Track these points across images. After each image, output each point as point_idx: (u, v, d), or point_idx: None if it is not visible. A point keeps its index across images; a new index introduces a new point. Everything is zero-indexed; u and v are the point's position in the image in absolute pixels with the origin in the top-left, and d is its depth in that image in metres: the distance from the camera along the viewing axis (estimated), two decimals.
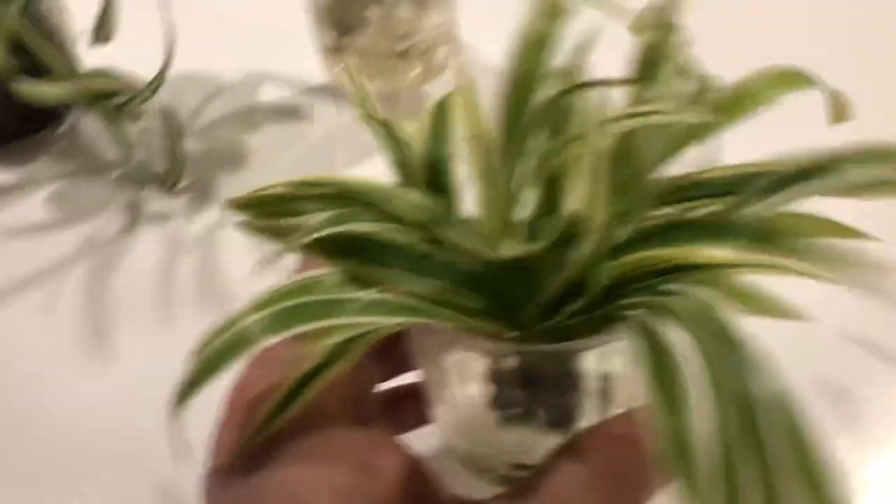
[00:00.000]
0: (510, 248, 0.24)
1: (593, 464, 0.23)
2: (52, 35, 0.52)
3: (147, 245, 0.48)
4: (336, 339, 0.23)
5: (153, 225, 0.50)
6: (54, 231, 0.50)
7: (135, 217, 0.50)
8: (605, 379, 0.27)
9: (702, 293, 0.20)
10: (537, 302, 0.24)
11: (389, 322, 0.23)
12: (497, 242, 0.25)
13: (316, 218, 0.23)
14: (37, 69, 0.48)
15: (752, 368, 0.18)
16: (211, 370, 0.21)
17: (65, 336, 0.44)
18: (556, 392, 0.28)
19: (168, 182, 0.51)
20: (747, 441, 0.17)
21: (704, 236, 0.22)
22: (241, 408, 0.24)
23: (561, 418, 0.28)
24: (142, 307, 0.45)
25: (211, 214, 0.50)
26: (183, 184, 0.52)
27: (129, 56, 0.50)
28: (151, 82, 0.51)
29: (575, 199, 0.25)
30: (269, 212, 0.26)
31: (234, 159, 0.53)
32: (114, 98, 0.50)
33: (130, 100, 0.50)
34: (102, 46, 0.50)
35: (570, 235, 0.22)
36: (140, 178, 0.52)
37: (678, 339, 0.19)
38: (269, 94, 0.58)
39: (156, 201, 0.51)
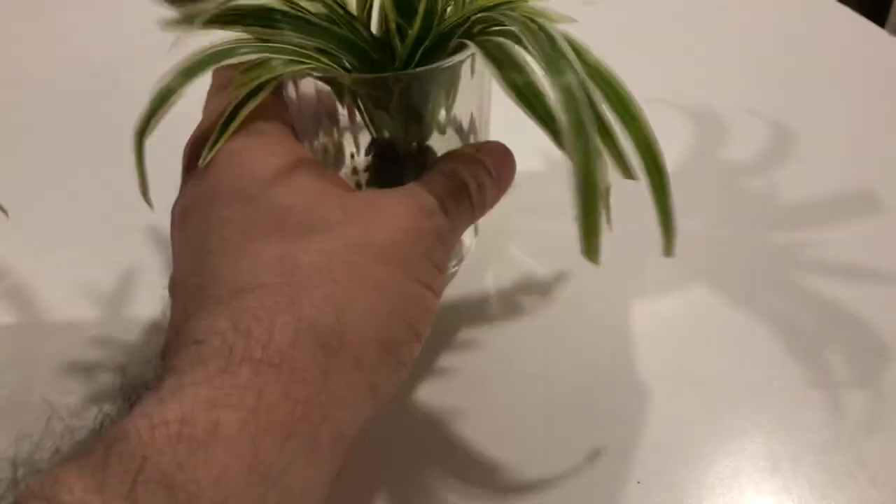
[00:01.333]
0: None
1: (446, 174, 0.32)
2: None
3: None
4: (256, 79, 0.30)
5: None
6: None
7: None
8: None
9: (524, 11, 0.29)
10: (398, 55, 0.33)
11: (293, 68, 0.31)
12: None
13: None
14: None
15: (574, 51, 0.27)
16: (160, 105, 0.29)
17: None
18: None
19: None
20: (583, 93, 0.26)
21: None
22: (192, 148, 0.31)
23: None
24: None
25: None
26: None
27: None
28: None
29: None
30: None
31: None
32: None
33: None
34: None
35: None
36: None
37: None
38: None
39: None
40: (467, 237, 0.43)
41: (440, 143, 0.37)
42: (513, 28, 0.29)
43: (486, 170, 0.33)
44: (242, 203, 0.28)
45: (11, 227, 0.40)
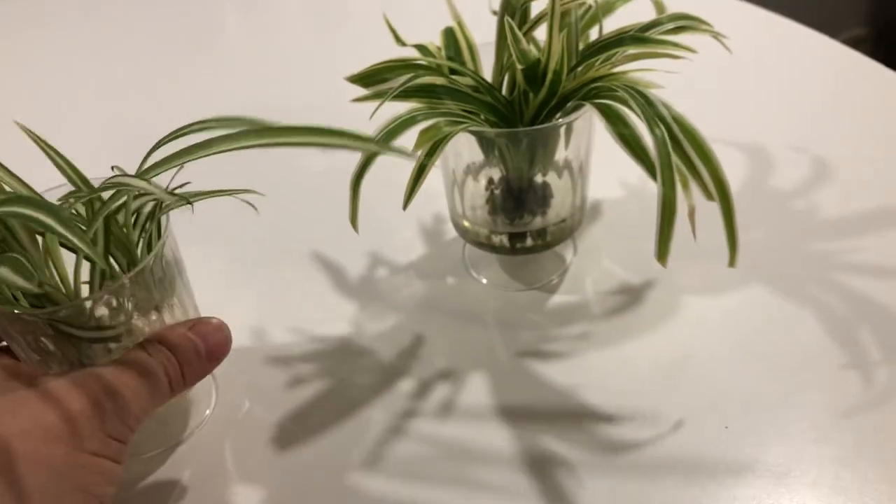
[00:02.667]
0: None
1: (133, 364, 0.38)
2: None
3: None
4: (433, 139, 0.41)
5: None
6: None
7: None
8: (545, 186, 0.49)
9: (626, 81, 0.41)
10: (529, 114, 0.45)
11: (454, 128, 0.42)
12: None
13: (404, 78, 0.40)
14: None
15: (665, 109, 0.38)
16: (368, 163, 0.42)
17: None
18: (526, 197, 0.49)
19: None
20: (671, 141, 0.36)
21: (614, 47, 0.43)
22: None
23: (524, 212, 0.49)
24: None
25: None
26: None
27: None
28: None
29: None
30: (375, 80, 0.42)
31: None
32: None
33: None
34: None
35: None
36: None
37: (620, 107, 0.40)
38: None
39: None
40: (568, 254, 0.54)
41: (557, 181, 0.48)
42: (619, 93, 0.40)
43: (196, 349, 0.39)
44: None
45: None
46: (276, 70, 0.85)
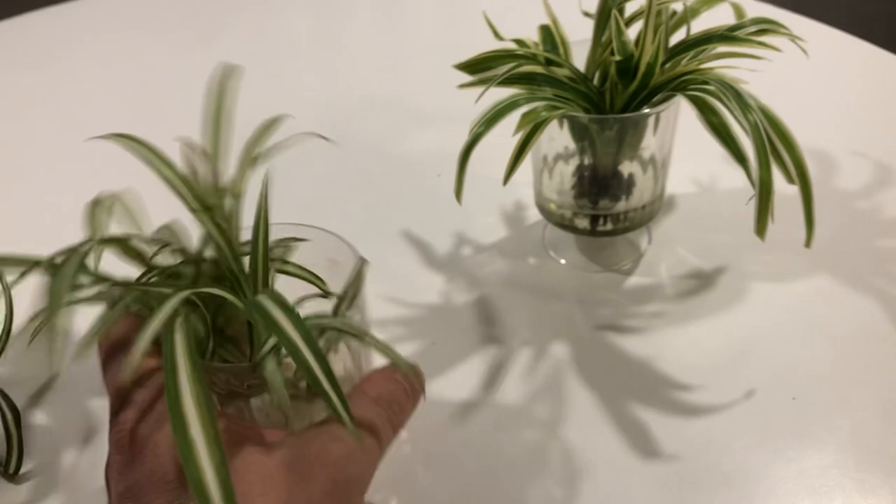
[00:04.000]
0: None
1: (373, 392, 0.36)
2: None
3: None
4: (533, 121, 0.45)
5: None
6: None
7: None
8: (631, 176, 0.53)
9: (713, 76, 0.45)
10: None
11: (552, 113, 0.46)
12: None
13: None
14: None
15: (753, 100, 0.42)
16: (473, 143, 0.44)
17: None
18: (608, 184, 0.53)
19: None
20: (763, 128, 0.40)
21: (703, 44, 0.47)
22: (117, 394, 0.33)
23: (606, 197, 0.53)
24: None
25: (58, 499, 0.46)
26: (26, 468, 0.47)
27: None
28: None
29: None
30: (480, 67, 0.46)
31: (81, 433, 0.49)
32: None
33: None
34: None
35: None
36: None
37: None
38: None
39: None
40: (642, 242, 0.58)
41: (640, 172, 0.52)
42: (710, 85, 0.44)
43: (405, 391, 0.37)
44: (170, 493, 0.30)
45: None
46: (403, 62, 0.90)
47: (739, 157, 0.43)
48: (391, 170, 0.71)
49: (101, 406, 0.50)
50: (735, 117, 0.42)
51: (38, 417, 0.50)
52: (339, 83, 0.86)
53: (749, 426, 0.45)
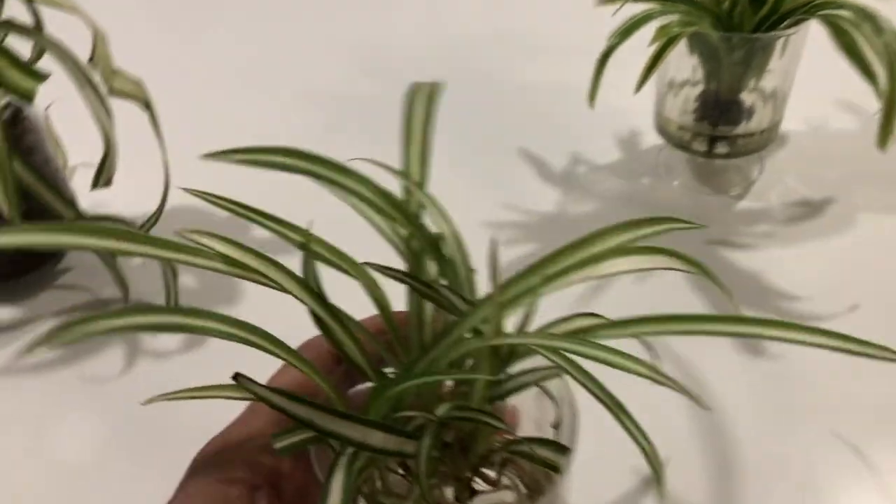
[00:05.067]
0: None
1: None
2: (52, 180, 0.53)
3: (146, 384, 0.48)
4: (667, 34, 0.47)
5: (152, 362, 0.50)
6: (54, 369, 0.50)
7: (133, 356, 0.51)
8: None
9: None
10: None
11: (685, 29, 0.49)
12: None
13: None
14: (36, 211, 0.48)
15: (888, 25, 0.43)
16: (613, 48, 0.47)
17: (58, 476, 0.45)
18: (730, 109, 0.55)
19: None
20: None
21: None
22: None
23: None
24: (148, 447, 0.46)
25: None
26: None
27: (123, 193, 0.52)
28: (148, 220, 0.51)
29: None
30: None
31: (229, 295, 0.54)
32: None
33: None
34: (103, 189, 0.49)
35: None
36: None
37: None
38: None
39: (153, 340, 0.51)
40: (754, 171, 0.60)
41: (759, 102, 0.54)
42: (842, 11, 0.46)
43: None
44: None
45: None
46: None
47: (868, 74, 0.45)
48: (507, 96, 0.74)
49: None
50: (866, 39, 0.44)
51: (193, 281, 0.55)
52: (457, 18, 0.89)
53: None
